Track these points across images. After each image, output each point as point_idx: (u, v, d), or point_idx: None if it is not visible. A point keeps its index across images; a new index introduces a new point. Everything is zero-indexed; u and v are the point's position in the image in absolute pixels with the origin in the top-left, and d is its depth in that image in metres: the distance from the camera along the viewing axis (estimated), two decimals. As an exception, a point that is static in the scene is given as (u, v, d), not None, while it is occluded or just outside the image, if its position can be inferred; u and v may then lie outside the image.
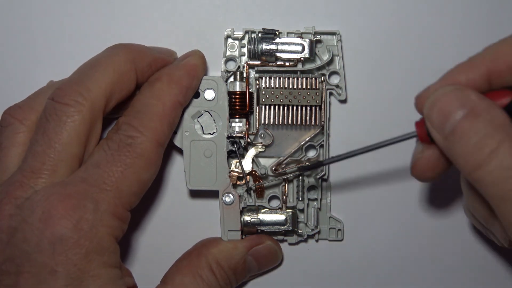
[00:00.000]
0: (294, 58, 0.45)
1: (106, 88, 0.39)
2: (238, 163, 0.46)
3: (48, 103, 0.38)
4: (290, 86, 0.45)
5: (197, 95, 0.45)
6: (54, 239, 0.35)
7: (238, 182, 0.46)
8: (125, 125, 0.39)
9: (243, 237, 0.46)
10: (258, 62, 0.45)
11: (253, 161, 0.46)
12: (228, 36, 0.46)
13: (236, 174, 0.46)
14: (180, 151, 0.45)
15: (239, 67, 0.46)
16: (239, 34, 0.46)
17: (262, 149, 0.46)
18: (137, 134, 0.39)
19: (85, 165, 0.38)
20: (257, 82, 0.45)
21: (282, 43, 0.45)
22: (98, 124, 0.39)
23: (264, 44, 0.45)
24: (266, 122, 0.45)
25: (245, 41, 0.46)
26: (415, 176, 0.38)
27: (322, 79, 0.45)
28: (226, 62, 0.46)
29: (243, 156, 0.46)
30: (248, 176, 0.46)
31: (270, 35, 0.45)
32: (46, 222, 0.35)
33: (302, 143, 0.46)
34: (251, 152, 0.46)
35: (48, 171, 0.37)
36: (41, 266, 0.35)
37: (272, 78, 0.45)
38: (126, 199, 0.38)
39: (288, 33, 0.45)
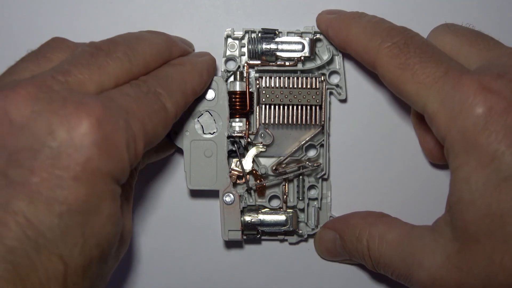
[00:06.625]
0: (294, 57, 0.45)
1: (145, 58, 0.39)
2: (238, 162, 0.46)
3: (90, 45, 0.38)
4: (290, 86, 0.45)
5: (197, 94, 0.45)
6: (78, 140, 0.32)
7: (238, 181, 0.46)
8: (152, 81, 0.38)
9: (245, 237, 0.46)
10: (258, 62, 0.45)
11: (253, 161, 0.46)
12: (228, 36, 0.46)
13: (236, 173, 0.46)
14: (181, 151, 0.45)
15: (239, 66, 0.46)
16: (239, 34, 0.46)
17: (263, 149, 0.46)
18: (164, 93, 0.38)
19: (115, 92, 0.36)
20: (257, 81, 0.45)
21: (282, 42, 0.45)
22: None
23: (264, 43, 0.45)
24: (266, 121, 0.45)
25: (245, 41, 0.46)
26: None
27: (322, 79, 0.45)
28: (226, 62, 0.46)
29: (243, 156, 0.46)
30: (248, 176, 0.46)
31: (270, 34, 0.45)
32: (75, 123, 0.33)
33: (302, 143, 0.46)
34: (252, 151, 0.46)
35: (84, 76, 0.35)
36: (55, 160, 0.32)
37: (272, 77, 0.45)
38: (147, 135, 0.36)
39: (288, 32, 0.45)
